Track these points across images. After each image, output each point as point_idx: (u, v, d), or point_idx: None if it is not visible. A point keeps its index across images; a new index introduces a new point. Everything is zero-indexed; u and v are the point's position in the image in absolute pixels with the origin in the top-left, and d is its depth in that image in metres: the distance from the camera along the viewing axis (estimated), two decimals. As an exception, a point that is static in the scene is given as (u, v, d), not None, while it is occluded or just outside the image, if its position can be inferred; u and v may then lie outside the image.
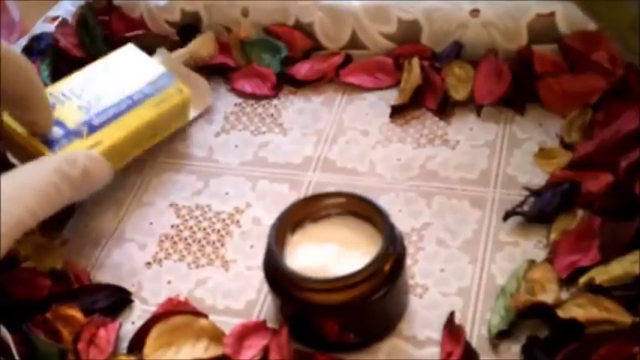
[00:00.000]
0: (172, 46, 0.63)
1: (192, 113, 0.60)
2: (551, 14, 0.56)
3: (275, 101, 0.61)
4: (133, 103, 0.55)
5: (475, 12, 0.58)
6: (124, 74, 0.57)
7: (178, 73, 0.60)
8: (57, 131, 0.52)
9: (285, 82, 0.62)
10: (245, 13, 0.64)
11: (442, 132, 0.56)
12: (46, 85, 0.60)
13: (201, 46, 0.63)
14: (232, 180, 0.55)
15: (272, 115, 0.60)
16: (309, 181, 0.54)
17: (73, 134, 0.52)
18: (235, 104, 0.61)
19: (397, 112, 0.58)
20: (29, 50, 0.65)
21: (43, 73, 0.62)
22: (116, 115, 0.54)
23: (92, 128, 0.53)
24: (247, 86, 0.62)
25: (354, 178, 0.54)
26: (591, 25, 0.55)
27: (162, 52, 0.62)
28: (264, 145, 0.58)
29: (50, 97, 0.54)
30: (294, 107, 0.60)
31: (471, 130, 0.56)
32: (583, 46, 0.55)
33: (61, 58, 0.64)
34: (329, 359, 0.43)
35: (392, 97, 0.59)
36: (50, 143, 0.52)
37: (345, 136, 0.57)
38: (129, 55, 0.59)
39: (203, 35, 0.64)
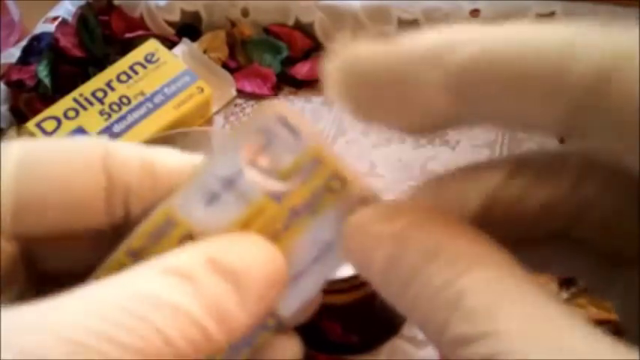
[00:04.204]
0: (173, 46, 0.64)
1: (215, 107, 0.60)
2: (551, 14, 0.57)
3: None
4: (153, 107, 0.56)
5: (475, 12, 0.58)
6: (145, 73, 0.57)
7: (202, 63, 0.60)
8: None
9: (286, 82, 0.62)
10: (245, 13, 0.64)
11: (442, 132, 0.56)
12: (47, 88, 0.60)
13: (215, 47, 0.64)
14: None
15: (272, 115, 0.60)
16: (310, 182, 0.54)
17: None
18: (236, 104, 0.62)
19: (397, 112, 0.58)
20: (29, 50, 0.65)
21: (42, 73, 0.62)
22: (136, 121, 0.55)
23: (113, 136, 0.54)
24: (248, 86, 0.62)
25: (354, 178, 0.54)
26: (591, 25, 0.55)
27: (186, 41, 0.62)
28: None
29: (74, 102, 0.55)
30: (294, 107, 0.60)
31: (471, 130, 0.56)
32: (583, 46, 0.55)
33: (61, 58, 0.64)
34: None
35: (392, 97, 0.59)
36: None
37: (345, 136, 0.57)
38: (151, 51, 0.59)
39: (214, 34, 0.64)
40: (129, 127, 0.55)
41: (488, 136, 0.55)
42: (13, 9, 0.69)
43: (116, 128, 0.55)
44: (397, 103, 0.17)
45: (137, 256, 0.21)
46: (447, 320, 0.16)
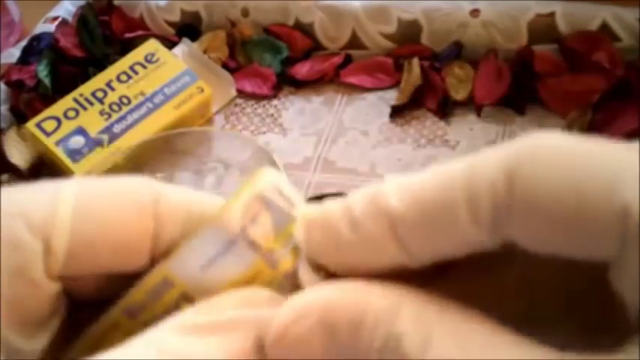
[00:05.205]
0: (173, 46, 0.64)
1: (215, 107, 0.60)
2: (551, 14, 0.57)
3: (275, 101, 0.61)
4: (153, 107, 0.56)
5: (475, 12, 0.58)
6: (145, 73, 0.57)
7: (202, 63, 0.60)
8: (79, 140, 0.53)
9: (285, 82, 0.62)
10: (245, 13, 0.64)
11: (442, 132, 0.56)
12: (47, 88, 0.61)
13: (215, 47, 0.64)
14: (233, 180, 0.55)
15: (272, 115, 0.60)
16: (309, 181, 0.54)
17: (94, 143, 0.53)
18: (235, 104, 0.62)
19: (397, 112, 0.58)
20: (29, 50, 0.65)
21: (42, 73, 0.62)
22: (136, 121, 0.55)
23: (113, 136, 0.54)
24: (248, 86, 0.62)
25: (354, 179, 0.54)
26: (591, 25, 0.55)
27: (186, 41, 0.63)
28: (265, 145, 0.58)
29: (74, 102, 0.55)
30: (294, 107, 0.60)
31: (471, 130, 0.56)
32: (583, 46, 0.55)
33: (61, 58, 0.64)
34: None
35: (392, 97, 0.59)
36: (72, 153, 0.53)
37: (345, 137, 0.57)
38: (151, 51, 0.59)
39: (214, 34, 0.64)
40: (129, 127, 0.55)
41: (489, 136, 0.55)
42: (13, 9, 0.69)
43: (116, 128, 0.55)
44: (359, 258, 0.19)
45: (134, 314, 0.21)
46: None
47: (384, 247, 0.19)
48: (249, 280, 0.21)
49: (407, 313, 0.18)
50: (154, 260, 0.21)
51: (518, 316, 0.20)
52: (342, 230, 0.19)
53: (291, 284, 0.21)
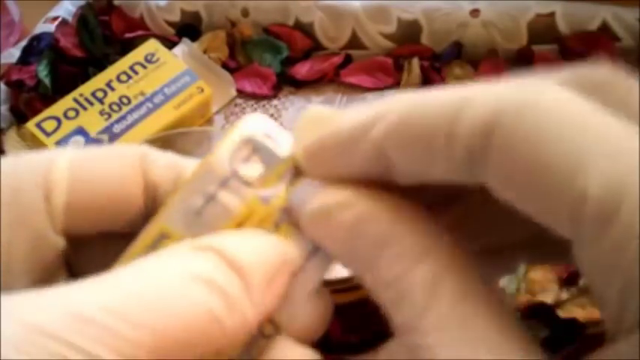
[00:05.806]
0: (173, 46, 0.64)
1: (215, 107, 0.61)
2: (551, 14, 0.57)
3: (275, 101, 0.61)
4: (153, 107, 0.56)
5: (475, 12, 0.58)
6: (145, 73, 0.57)
7: (202, 63, 0.60)
8: (79, 140, 0.53)
9: (285, 82, 0.62)
10: (245, 13, 0.64)
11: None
12: (47, 88, 0.61)
13: (215, 47, 0.64)
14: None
15: (272, 115, 0.60)
16: (310, 182, 0.54)
17: (94, 143, 0.53)
18: (235, 104, 0.62)
19: (397, 112, 0.58)
20: (29, 50, 0.65)
21: (42, 73, 0.62)
22: (136, 121, 0.55)
23: (113, 136, 0.54)
24: (248, 86, 0.62)
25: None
26: (591, 25, 0.55)
27: (186, 41, 0.63)
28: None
29: (74, 102, 0.55)
30: (294, 107, 0.60)
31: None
32: (583, 46, 0.55)
33: (61, 58, 0.64)
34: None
35: (392, 97, 0.59)
36: None
37: (346, 136, 0.57)
38: (151, 51, 0.59)
39: (214, 34, 0.64)
40: (129, 127, 0.55)
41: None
42: (13, 9, 0.69)
43: (116, 128, 0.55)
44: (344, 169, 0.20)
45: None
46: (392, 311, 0.20)
47: (362, 149, 0.19)
48: (244, 220, 0.21)
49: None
50: (145, 219, 0.22)
51: (488, 250, 0.21)
52: (329, 127, 0.20)
53: (289, 220, 0.21)
